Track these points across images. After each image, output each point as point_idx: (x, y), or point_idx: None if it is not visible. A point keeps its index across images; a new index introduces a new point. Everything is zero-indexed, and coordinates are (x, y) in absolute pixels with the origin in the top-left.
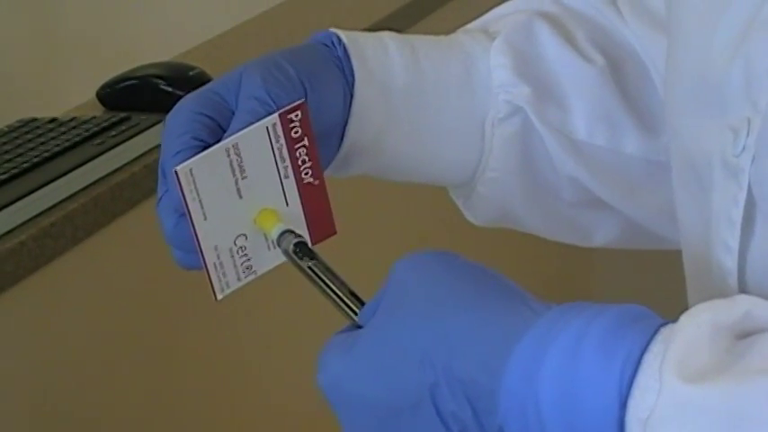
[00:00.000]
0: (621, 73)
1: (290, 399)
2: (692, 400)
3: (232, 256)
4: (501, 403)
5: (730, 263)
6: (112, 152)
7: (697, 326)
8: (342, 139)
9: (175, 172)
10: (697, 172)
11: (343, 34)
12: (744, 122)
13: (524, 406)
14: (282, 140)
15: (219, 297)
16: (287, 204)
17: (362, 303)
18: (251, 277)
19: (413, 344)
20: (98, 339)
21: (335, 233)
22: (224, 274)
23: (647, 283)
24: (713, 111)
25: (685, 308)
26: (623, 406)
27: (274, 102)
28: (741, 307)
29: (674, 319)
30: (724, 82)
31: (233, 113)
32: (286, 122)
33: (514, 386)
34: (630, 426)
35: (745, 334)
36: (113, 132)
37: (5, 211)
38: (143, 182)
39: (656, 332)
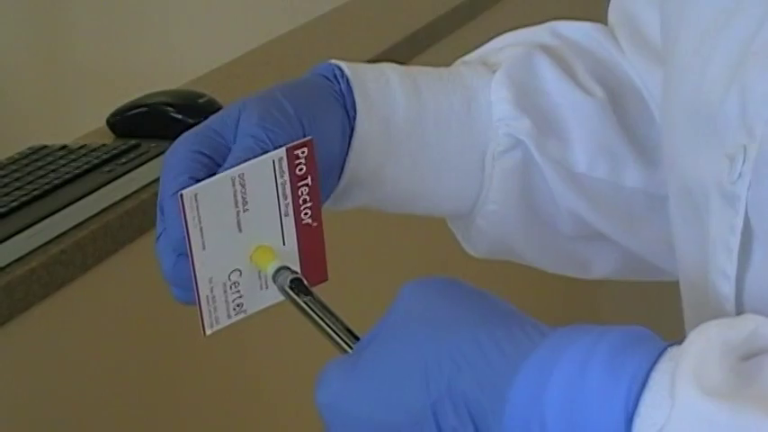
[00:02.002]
0: (621, 106)
1: (295, 423)
2: (709, 413)
3: (225, 291)
4: (506, 421)
5: (728, 290)
6: (122, 179)
7: (707, 340)
8: (341, 172)
9: (180, 195)
10: (694, 200)
11: (345, 67)
12: (740, 149)
13: (529, 424)
14: (287, 176)
15: (208, 332)
16: (284, 243)
17: (358, 340)
18: (240, 316)
19: (417, 361)
20: (108, 366)
21: (327, 279)
22: (215, 309)
23: (650, 315)
24: (709, 139)
25: (683, 336)
26: (629, 424)
27: (271, 141)
28: (749, 325)
29: (678, 342)
30: (719, 110)
31: (230, 150)
32: (292, 158)
33: (520, 404)
34: None
35: (750, 353)
36: (123, 160)
37: (16, 238)
38: (152, 209)
39: (662, 352)
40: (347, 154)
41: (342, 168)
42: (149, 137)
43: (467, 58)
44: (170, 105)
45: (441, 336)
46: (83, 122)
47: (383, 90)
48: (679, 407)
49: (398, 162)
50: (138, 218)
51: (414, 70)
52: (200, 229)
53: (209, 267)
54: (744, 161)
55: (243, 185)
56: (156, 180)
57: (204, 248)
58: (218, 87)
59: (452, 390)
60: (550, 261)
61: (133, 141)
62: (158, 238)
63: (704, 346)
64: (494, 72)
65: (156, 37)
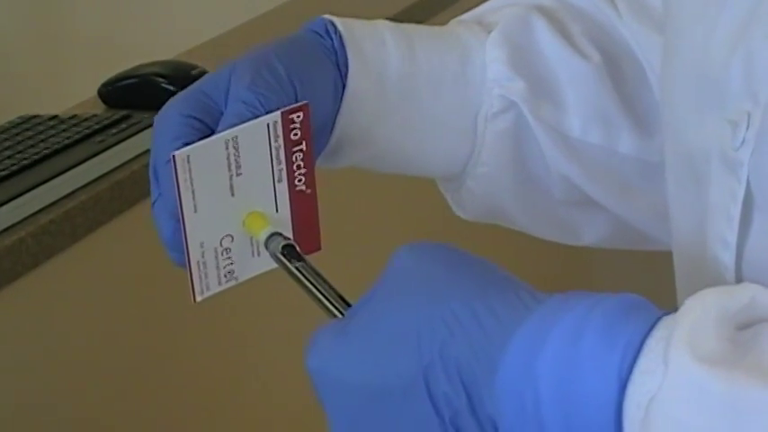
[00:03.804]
0: (617, 70)
1: (287, 395)
2: (703, 380)
3: (216, 257)
4: (498, 387)
5: (727, 258)
6: (113, 150)
7: (703, 308)
8: (332, 130)
9: (173, 157)
10: (693, 167)
11: (339, 23)
12: (743, 116)
13: (522, 390)
14: (281, 141)
15: (198, 299)
16: (276, 210)
17: (350, 306)
18: (231, 283)
19: (410, 324)
20: (96, 337)
21: (320, 249)
22: (206, 275)
23: (643, 284)
24: (712, 105)
25: (676, 306)
26: (623, 390)
27: (263, 106)
28: (746, 293)
29: (674, 310)
30: (723, 76)
31: (222, 114)
32: (287, 122)
33: (512, 371)
34: (629, 409)
35: (747, 323)
36: (114, 130)
37: (5, 207)
38: (143, 180)
39: (657, 320)
40: (339, 111)
41: (333, 126)
42: (140, 108)
43: (463, 17)
44: (162, 76)
45: (434, 300)
46: (74, 92)
47: (377, 47)
48: (672, 374)
49: (390, 120)
50: (129, 188)
51: (408, 28)
52: (192, 191)
53: (200, 231)
54: (747, 128)
55: (236, 149)
56: (147, 151)
57: (196, 212)
58: (210, 59)
59: (444, 355)
60: (541, 226)
61: (124, 112)
62: (154, 203)
63: (700, 313)
64: (489, 32)
65: (149, 8)
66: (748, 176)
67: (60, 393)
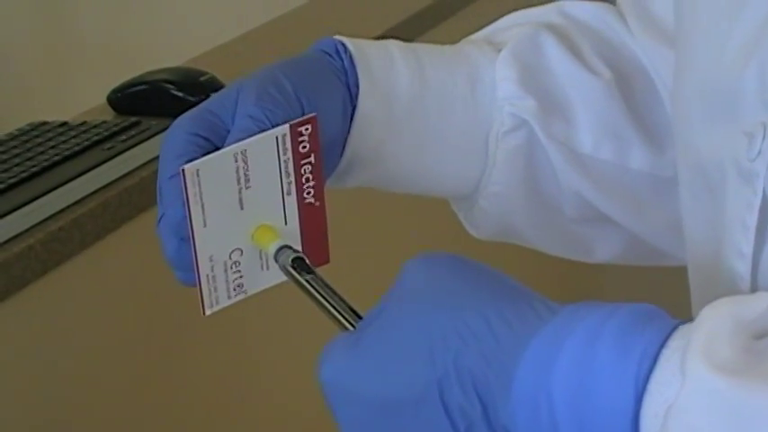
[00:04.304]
0: (628, 87)
1: (295, 404)
2: (719, 389)
3: (225, 271)
4: (513, 397)
5: (743, 269)
6: (122, 157)
7: (719, 317)
8: (342, 150)
9: (182, 170)
10: (708, 179)
11: (349, 43)
12: (759, 127)
13: (537, 400)
14: (290, 153)
15: (208, 312)
16: (285, 223)
17: (362, 319)
18: (241, 296)
19: (423, 336)
20: (105, 344)
21: (329, 262)
22: (215, 289)
23: (654, 299)
24: (725, 117)
25: (690, 318)
26: (639, 400)
27: (270, 120)
28: (762, 303)
29: (688, 320)
30: (737, 87)
31: (228, 132)
32: (295, 135)
33: (527, 382)
34: (646, 419)
35: (761, 332)
36: (123, 137)
37: (14, 214)
38: (152, 187)
39: (673, 329)
40: (349, 132)
41: (343, 146)
42: (150, 114)
43: (472, 37)
44: (171, 83)
45: (447, 311)
46: (83, 99)
47: (386, 67)
48: (690, 383)
49: (401, 140)
50: (138, 195)
51: (418, 47)
52: (202, 205)
53: (210, 245)
54: (763, 138)
55: (245, 162)
56: (156, 158)
57: (205, 226)
58: (219, 65)
59: (459, 366)
60: (554, 244)
61: (133, 119)
62: (159, 221)
63: (716, 323)
64: (499, 51)
65: (158, 14)
66: (764, 187)
67: (68, 399)
